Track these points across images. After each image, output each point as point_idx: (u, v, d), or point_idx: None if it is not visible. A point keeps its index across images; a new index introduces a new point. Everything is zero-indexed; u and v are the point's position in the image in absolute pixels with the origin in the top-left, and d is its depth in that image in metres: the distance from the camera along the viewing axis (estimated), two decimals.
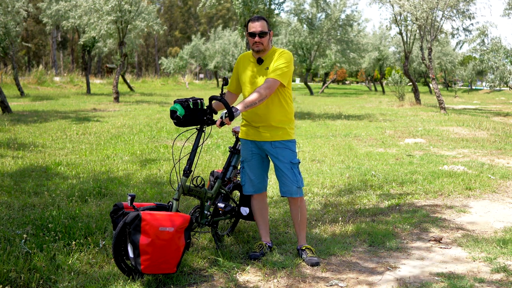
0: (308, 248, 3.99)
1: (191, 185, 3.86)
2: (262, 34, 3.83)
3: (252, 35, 3.85)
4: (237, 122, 13.17)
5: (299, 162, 4.03)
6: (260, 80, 3.90)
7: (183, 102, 3.70)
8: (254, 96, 3.70)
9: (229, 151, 4.29)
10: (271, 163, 4.10)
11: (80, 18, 23.15)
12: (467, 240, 4.48)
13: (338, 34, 29.98)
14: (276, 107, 3.91)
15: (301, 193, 3.98)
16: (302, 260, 3.92)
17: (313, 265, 3.85)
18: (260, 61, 3.92)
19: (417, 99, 23.22)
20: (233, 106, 3.67)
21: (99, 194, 5.56)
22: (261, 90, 3.72)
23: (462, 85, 54.64)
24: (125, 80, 32.67)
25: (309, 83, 41.15)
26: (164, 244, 3.28)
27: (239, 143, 4.27)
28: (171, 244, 3.30)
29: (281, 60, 3.84)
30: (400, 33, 22.97)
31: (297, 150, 4.04)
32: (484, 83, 51.17)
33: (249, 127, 4.01)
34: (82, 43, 25.84)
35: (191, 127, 3.81)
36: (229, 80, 4.07)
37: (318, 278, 3.65)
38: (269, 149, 3.95)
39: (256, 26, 3.84)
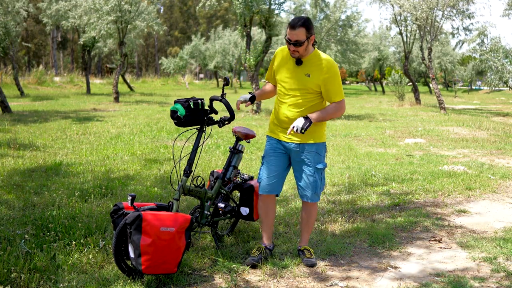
0: (307, 249, 3.97)
1: (191, 185, 3.87)
2: (297, 44, 3.61)
3: (288, 41, 3.64)
4: (237, 122, 13.17)
5: (325, 167, 3.88)
6: (297, 83, 3.73)
7: (183, 102, 3.70)
8: (325, 113, 3.71)
9: (229, 151, 4.29)
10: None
11: (80, 18, 23.15)
12: (467, 240, 4.48)
13: (338, 34, 29.97)
14: (309, 110, 3.75)
15: (317, 199, 3.90)
16: (301, 261, 3.92)
17: (310, 266, 3.84)
18: (299, 62, 3.72)
19: (417, 99, 23.23)
20: (308, 117, 3.63)
21: (99, 194, 5.56)
22: (334, 110, 3.73)
23: (462, 85, 54.65)
24: (125, 80, 32.67)
25: None
26: (165, 245, 3.28)
27: (239, 143, 4.26)
28: (172, 244, 3.30)
29: (335, 80, 3.70)
30: (400, 33, 22.99)
31: (324, 154, 3.88)
32: (479, 83, 51.20)
33: (278, 127, 3.88)
34: (82, 43, 25.83)
35: (191, 127, 3.81)
36: (229, 80, 4.02)
37: (318, 278, 3.65)
38: (296, 151, 3.81)
39: (292, 35, 3.59)
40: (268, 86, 4.10)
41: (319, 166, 3.82)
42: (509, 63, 17.34)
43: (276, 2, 16.73)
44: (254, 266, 3.76)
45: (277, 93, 3.90)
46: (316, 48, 3.76)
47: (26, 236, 4.06)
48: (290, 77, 3.76)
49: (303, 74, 3.71)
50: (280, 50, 3.90)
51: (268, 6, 16.46)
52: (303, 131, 3.58)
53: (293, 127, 3.61)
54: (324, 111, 3.72)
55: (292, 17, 29.73)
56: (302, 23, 3.59)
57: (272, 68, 3.96)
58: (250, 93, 4.01)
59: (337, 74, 3.71)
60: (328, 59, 3.70)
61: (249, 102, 3.99)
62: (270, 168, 3.88)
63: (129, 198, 3.45)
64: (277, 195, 4.03)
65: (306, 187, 3.84)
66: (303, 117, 3.63)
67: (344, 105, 3.76)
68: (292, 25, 3.59)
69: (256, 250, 3.91)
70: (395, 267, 3.88)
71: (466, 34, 19.85)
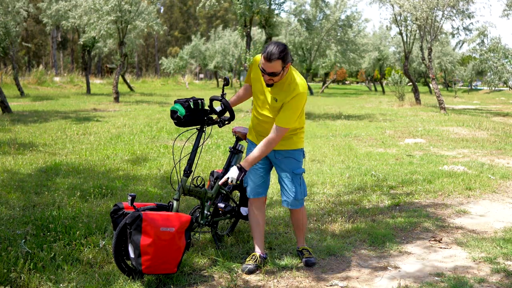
0: (306, 249, 3.97)
1: (191, 185, 3.87)
2: (272, 75, 3.49)
3: (263, 71, 3.52)
4: (237, 122, 13.18)
5: (303, 172, 3.86)
6: (267, 104, 3.68)
7: (183, 102, 3.70)
8: (258, 153, 3.58)
9: (229, 151, 4.28)
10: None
11: (80, 18, 23.15)
12: (467, 240, 4.48)
13: (338, 34, 29.99)
14: None
15: (300, 205, 3.84)
16: (301, 261, 3.92)
17: (309, 265, 3.84)
18: (270, 84, 3.60)
19: (417, 99, 23.23)
20: (241, 166, 3.57)
21: (99, 194, 5.56)
22: (267, 145, 3.56)
23: (462, 85, 54.66)
24: (125, 80, 32.67)
25: (309, 83, 41.14)
26: (165, 245, 3.28)
27: (239, 143, 4.26)
28: (172, 244, 3.30)
29: (291, 109, 3.54)
30: (400, 33, 22.98)
31: (302, 159, 3.88)
32: (477, 83, 51.20)
33: (255, 132, 3.90)
34: (82, 43, 25.84)
35: (191, 127, 3.81)
36: (229, 80, 3.99)
37: (318, 278, 3.65)
38: (272, 157, 3.82)
39: (267, 67, 3.45)
40: (245, 90, 3.99)
41: (297, 171, 3.79)
42: (508, 63, 17.35)
43: (276, 2, 16.75)
44: (249, 273, 3.71)
45: (253, 104, 3.88)
46: (291, 69, 3.61)
47: (27, 236, 4.06)
48: (262, 95, 3.72)
49: (272, 97, 3.65)
50: (258, 58, 3.75)
51: (268, 6, 16.47)
52: (237, 182, 3.60)
53: (228, 178, 3.59)
54: (256, 151, 3.61)
55: (292, 17, 29.74)
56: (278, 55, 3.40)
57: (250, 74, 3.88)
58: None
59: (297, 103, 3.55)
60: (297, 87, 3.55)
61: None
62: (256, 171, 3.88)
63: (129, 198, 3.45)
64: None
65: (286, 193, 3.82)
66: (237, 167, 3.58)
67: (280, 135, 3.56)
68: (268, 58, 3.41)
69: (251, 258, 3.81)
70: (395, 267, 3.88)
71: (466, 34, 19.87)
